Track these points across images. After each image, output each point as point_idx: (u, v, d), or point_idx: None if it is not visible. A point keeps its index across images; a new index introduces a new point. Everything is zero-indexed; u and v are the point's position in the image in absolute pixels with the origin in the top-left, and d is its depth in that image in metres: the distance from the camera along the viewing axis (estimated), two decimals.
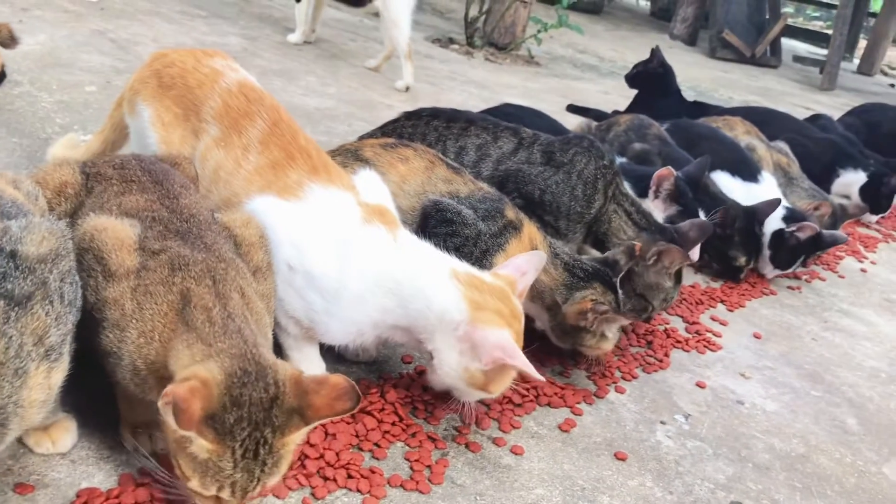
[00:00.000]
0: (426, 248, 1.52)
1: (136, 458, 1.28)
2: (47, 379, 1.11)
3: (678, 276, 2.00)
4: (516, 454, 1.56)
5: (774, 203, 2.61)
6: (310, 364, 1.56)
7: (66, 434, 1.30)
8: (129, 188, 1.41)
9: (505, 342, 1.39)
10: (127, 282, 1.23)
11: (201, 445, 1.07)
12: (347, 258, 1.43)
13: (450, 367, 1.43)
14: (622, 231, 2.07)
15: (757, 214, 2.58)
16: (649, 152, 2.61)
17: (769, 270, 2.69)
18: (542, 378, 1.43)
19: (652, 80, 3.85)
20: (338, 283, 1.43)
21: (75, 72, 3.05)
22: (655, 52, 3.85)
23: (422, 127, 2.17)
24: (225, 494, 1.10)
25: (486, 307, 1.42)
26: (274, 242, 1.44)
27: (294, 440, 1.15)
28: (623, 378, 1.91)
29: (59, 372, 1.14)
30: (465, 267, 1.51)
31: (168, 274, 1.22)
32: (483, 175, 2.07)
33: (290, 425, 1.13)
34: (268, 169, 1.52)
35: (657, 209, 2.23)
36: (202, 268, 1.24)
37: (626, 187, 2.19)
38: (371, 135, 2.26)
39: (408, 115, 2.27)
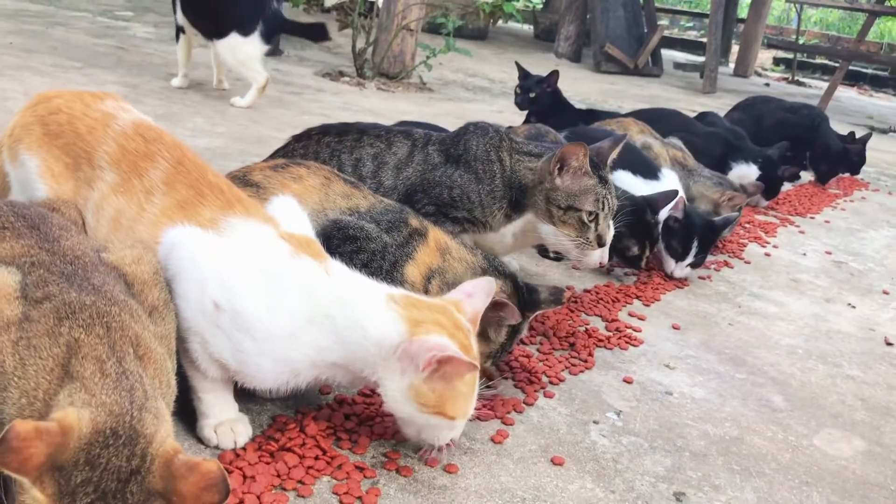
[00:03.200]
0: (358, 277, 1.44)
1: None
2: None
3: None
4: (451, 473, 1.48)
5: (671, 194, 2.63)
6: (222, 408, 1.44)
7: None
8: (2, 235, 1.27)
9: (440, 342, 1.31)
10: (7, 335, 1.10)
11: (35, 497, 0.93)
12: (277, 295, 1.33)
13: (396, 391, 1.34)
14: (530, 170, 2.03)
15: (651, 205, 2.59)
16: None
17: (672, 266, 2.68)
18: (475, 363, 1.33)
19: (542, 101, 3.94)
20: (269, 321, 1.32)
21: None
22: (553, 76, 3.97)
23: (313, 146, 2.10)
24: None
25: (424, 321, 1.35)
26: (198, 279, 1.33)
27: None
28: (550, 382, 1.87)
29: None
30: (400, 291, 1.44)
31: (54, 324, 1.10)
32: (385, 185, 2.01)
33: None
34: (176, 209, 1.41)
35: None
36: (91, 313, 1.12)
37: (515, 136, 2.16)
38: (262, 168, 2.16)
39: (297, 137, 2.19)
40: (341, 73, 5.53)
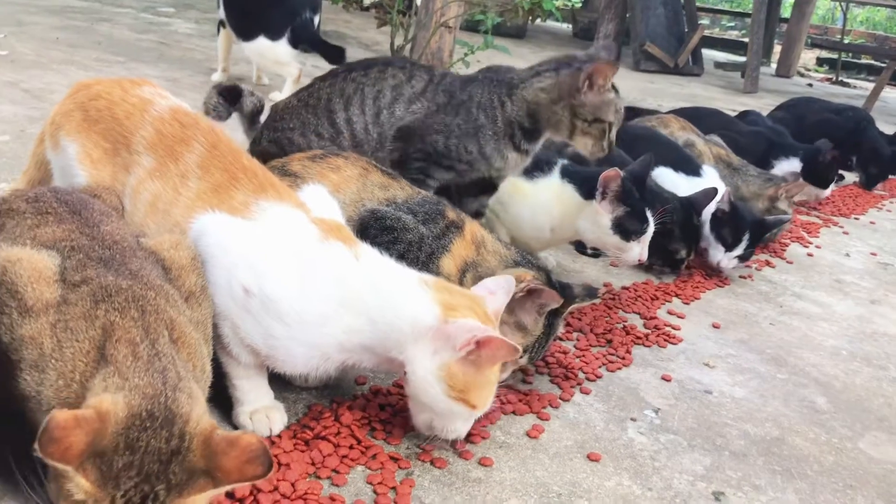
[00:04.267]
0: (388, 262, 1.43)
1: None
2: None
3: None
4: (485, 466, 1.46)
5: (711, 193, 2.59)
6: (258, 395, 1.44)
7: None
8: (45, 220, 1.29)
9: (479, 325, 1.31)
10: (46, 317, 1.11)
11: (80, 485, 0.93)
12: (307, 279, 1.33)
13: (425, 370, 1.33)
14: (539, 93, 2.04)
15: (694, 205, 2.56)
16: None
17: (720, 255, 2.63)
18: (518, 348, 1.32)
19: None
20: (299, 306, 1.32)
21: None
22: None
23: (339, 83, 2.09)
24: None
25: (458, 306, 1.34)
26: (227, 264, 1.33)
27: (196, 502, 1.01)
28: (587, 378, 1.84)
29: None
30: (431, 276, 1.43)
31: (90, 307, 1.11)
32: (396, 115, 2.03)
33: (192, 486, 0.99)
34: (210, 192, 1.42)
35: (605, 211, 2.16)
36: (127, 296, 1.12)
37: (516, 74, 2.15)
38: (287, 105, 2.15)
39: (321, 78, 2.16)
40: None
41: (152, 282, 1.18)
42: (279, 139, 2.08)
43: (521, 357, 1.66)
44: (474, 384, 1.32)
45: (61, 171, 1.58)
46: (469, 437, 1.52)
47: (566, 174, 2.19)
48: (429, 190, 1.97)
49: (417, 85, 2.07)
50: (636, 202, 2.15)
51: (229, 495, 1.24)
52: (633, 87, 7.03)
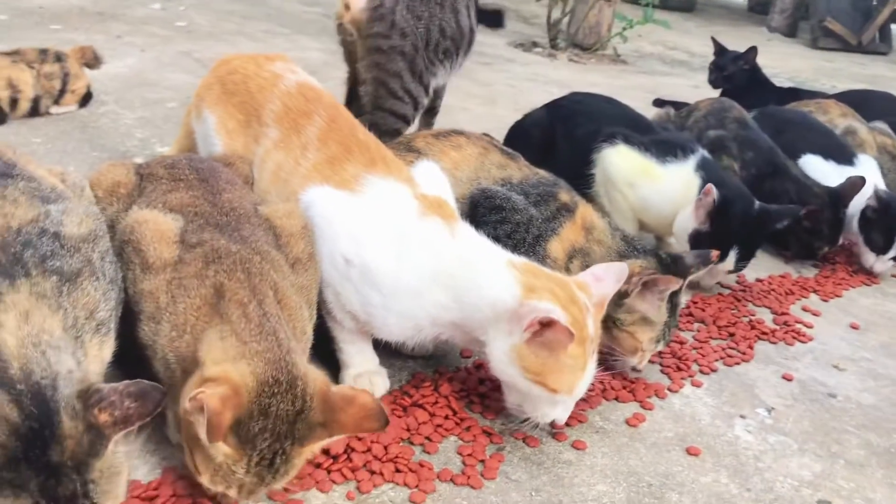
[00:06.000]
0: (482, 241, 1.46)
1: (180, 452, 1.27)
2: (100, 352, 1.14)
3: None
4: (578, 449, 1.47)
5: (858, 182, 2.40)
6: (362, 359, 1.52)
7: None
8: (177, 186, 1.42)
9: (546, 307, 1.30)
10: (163, 274, 1.23)
11: (223, 451, 1.05)
12: (404, 252, 1.38)
13: (500, 350, 1.35)
14: None
15: (841, 199, 2.39)
16: (724, 138, 2.46)
17: (872, 260, 2.46)
18: (573, 331, 1.29)
19: (737, 79, 3.71)
20: (395, 277, 1.38)
21: (159, 90, 3.16)
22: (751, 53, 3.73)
23: None
24: (231, 493, 1.08)
25: (540, 289, 1.35)
26: (331, 235, 1.41)
27: (312, 449, 1.13)
28: (701, 371, 1.79)
29: (108, 347, 1.16)
30: (522, 259, 1.44)
31: (202, 267, 1.21)
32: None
33: (311, 437, 1.10)
34: (325, 164, 1.50)
35: (695, 218, 2.05)
36: (234, 259, 1.22)
37: None
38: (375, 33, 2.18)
39: None
40: (534, 44, 5.51)
41: (259, 247, 1.27)
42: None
43: (655, 345, 1.64)
44: (550, 367, 1.33)
45: (203, 140, 1.72)
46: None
47: (702, 167, 2.11)
48: None
49: None
50: (722, 230, 2.02)
51: (325, 451, 1.32)
52: (808, 67, 6.60)
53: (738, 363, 1.86)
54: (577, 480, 1.39)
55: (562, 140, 2.35)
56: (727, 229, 2.02)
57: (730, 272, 2.12)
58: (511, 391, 1.41)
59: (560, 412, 1.40)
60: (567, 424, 1.52)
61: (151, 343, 1.21)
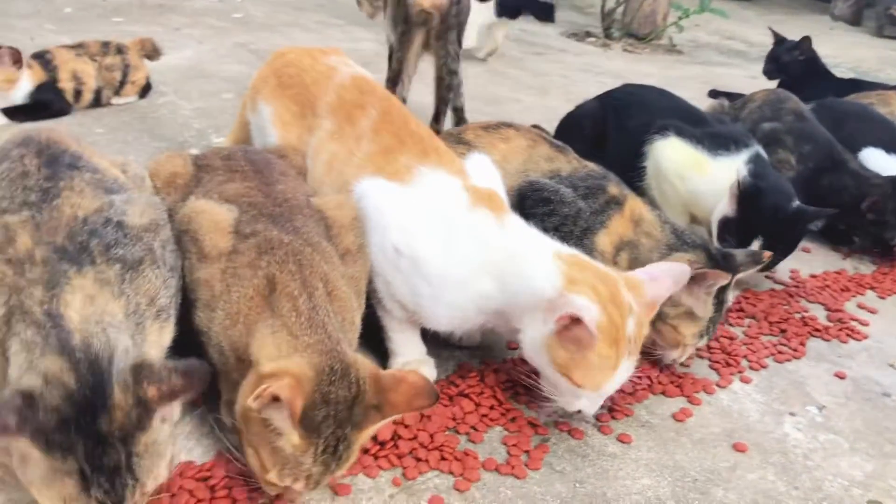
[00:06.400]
0: (531, 232, 1.47)
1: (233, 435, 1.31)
2: (159, 337, 1.19)
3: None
4: (623, 442, 1.48)
5: None
6: (411, 348, 1.54)
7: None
8: (233, 177, 1.45)
9: (582, 303, 1.29)
10: (218, 263, 1.27)
11: (289, 441, 1.08)
12: (453, 243, 1.40)
13: (532, 338, 1.36)
14: None
15: None
16: (779, 131, 2.41)
17: None
18: (594, 336, 1.28)
19: (792, 70, 3.63)
20: (443, 267, 1.40)
21: (215, 81, 3.23)
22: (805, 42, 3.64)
23: None
24: (298, 486, 1.11)
25: (581, 283, 1.35)
26: (381, 225, 1.44)
27: (368, 433, 1.16)
28: (750, 367, 1.78)
29: (168, 333, 1.22)
30: (570, 251, 1.44)
31: (255, 257, 1.25)
32: None
33: (367, 421, 1.13)
34: (378, 155, 1.52)
35: (727, 204, 2.02)
36: (287, 250, 1.25)
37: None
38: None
39: None
40: (587, 34, 5.46)
41: (310, 238, 1.30)
42: None
43: (698, 339, 1.64)
44: (577, 363, 1.32)
45: (258, 132, 1.76)
46: (611, 413, 1.54)
47: (753, 161, 2.07)
48: None
49: None
50: (747, 219, 1.99)
51: (372, 438, 1.35)
52: (871, 56, 6.41)
53: (789, 360, 1.83)
54: (622, 473, 1.40)
55: (614, 132, 2.34)
56: (752, 218, 1.98)
57: (760, 269, 2.04)
58: (542, 376, 1.42)
59: (585, 404, 1.40)
60: (612, 417, 1.53)
61: (206, 330, 1.25)
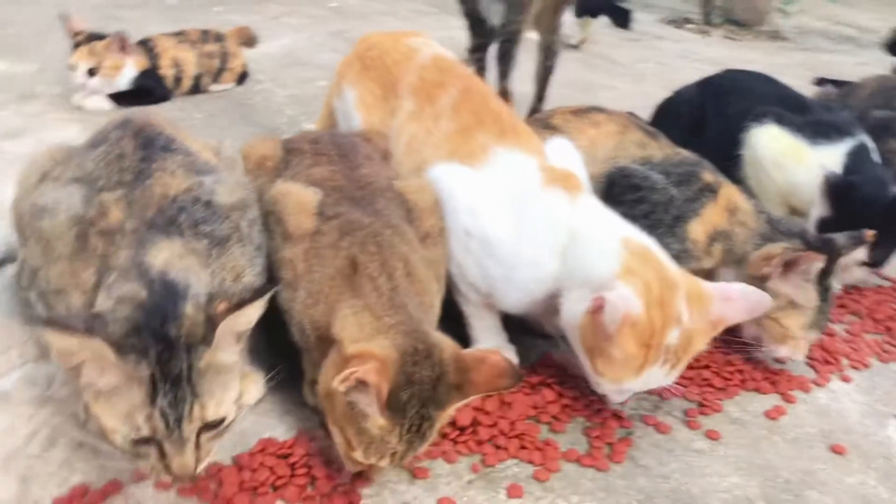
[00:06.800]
0: (604, 215, 1.42)
1: (314, 414, 1.33)
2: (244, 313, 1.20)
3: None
4: (711, 439, 1.42)
5: None
6: (491, 335, 1.53)
7: (254, 387, 1.36)
8: (319, 160, 1.47)
9: (624, 295, 1.23)
10: (302, 244, 1.28)
11: (375, 422, 1.09)
12: (523, 223, 1.38)
13: (569, 311, 1.32)
14: None
15: None
16: (892, 120, 2.27)
17: None
18: (607, 339, 1.24)
19: None
20: (513, 249, 1.38)
21: (310, 69, 3.28)
22: None
23: None
24: (383, 463, 1.12)
25: (637, 274, 1.29)
26: (452, 209, 1.43)
27: (450, 413, 1.15)
28: (851, 367, 1.69)
29: (253, 309, 1.22)
30: (643, 240, 1.37)
31: (337, 238, 1.26)
32: None
33: (449, 400, 1.13)
34: (456, 134, 1.51)
35: (821, 203, 1.90)
36: (367, 232, 1.25)
37: None
38: None
39: None
40: (686, 20, 5.31)
41: (391, 221, 1.30)
42: None
43: (808, 332, 1.56)
44: (599, 350, 1.28)
45: (343, 117, 1.77)
46: (699, 408, 1.49)
47: (854, 152, 1.96)
48: None
49: None
50: (843, 217, 1.84)
51: (452, 423, 1.35)
52: None
53: (894, 360, 1.73)
54: (709, 470, 1.35)
55: (712, 119, 2.25)
56: (849, 215, 1.85)
57: (863, 265, 1.93)
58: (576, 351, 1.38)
59: (607, 391, 1.36)
60: (701, 413, 1.48)
61: (289, 308, 1.26)
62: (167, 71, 2.73)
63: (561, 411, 1.43)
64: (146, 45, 2.71)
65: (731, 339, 1.60)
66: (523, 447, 1.33)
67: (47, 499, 1.14)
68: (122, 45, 2.57)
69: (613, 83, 3.63)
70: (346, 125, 1.75)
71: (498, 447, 1.33)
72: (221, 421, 1.05)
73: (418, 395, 1.09)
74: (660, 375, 1.30)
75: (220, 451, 1.21)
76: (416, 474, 1.26)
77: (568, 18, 4.01)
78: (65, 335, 0.96)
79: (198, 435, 1.03)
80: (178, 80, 2.76)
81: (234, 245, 1.21)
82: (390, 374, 1.08)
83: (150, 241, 1.12)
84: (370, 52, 1.71)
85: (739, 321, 1.34)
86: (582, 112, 1.80)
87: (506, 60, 2.60)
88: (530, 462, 1.31)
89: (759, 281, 1.52)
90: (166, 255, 1.11)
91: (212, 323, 1.01)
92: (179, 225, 1.17)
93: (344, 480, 1.20)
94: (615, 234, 1.35)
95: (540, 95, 2.78)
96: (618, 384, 1.31)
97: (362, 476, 1.22)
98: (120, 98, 2.61)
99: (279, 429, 1.32)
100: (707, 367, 1.59)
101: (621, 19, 4.02)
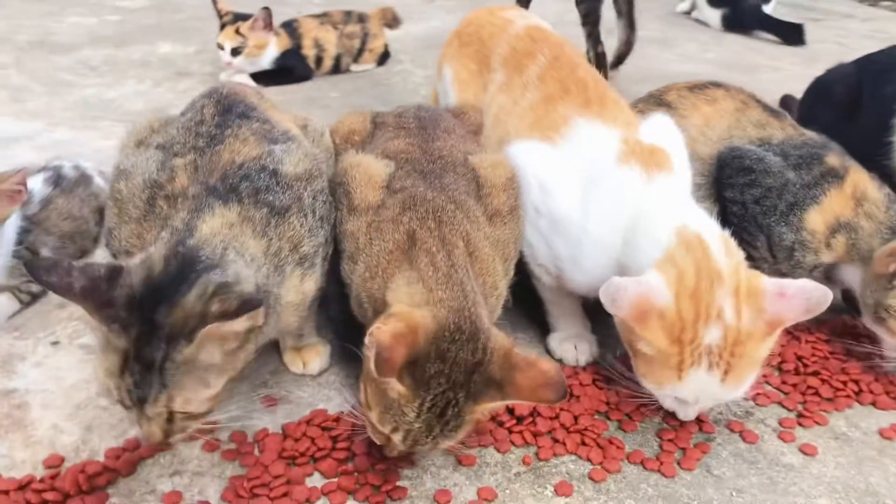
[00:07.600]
0: (674, 198, 1.29)
1: None
2: (300, 284, 1.20)
3: None
4: (806, 454, 1.26)
5: None
6: (570, 322, 1.45)
7: (318, 358, 1.38)
8: (398, 133, 1.44)
9: (651, 283, 1.13)
10: (365, 217, 1.26)
11: (395, 388, 1.05)
12: (592, 200, 1.29)
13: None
14: None
15: None
16: None
17: None
18: (622, 319, 1.15)
19: None
20: (580, 227, 1.29)
21: None
22: None
23: None
24: (396, 437, 1.07)
25: (675, 265, 1.16)
26: (525, 185, 1.36)
27: (483, 410, 1.08)
28: None
29: (311, 281, 1.23)
30: (702, 228, 1.22)
31: (398, 212, 1.22)
32: None
33: (485, 395, 1.06)
34: (540, 104, 1.44)
35: None
36: (428, 207, 1.21)
37: None
38: None
39: None
40: None
41: (456, 196, 1.24)
42: None
43: None
44: (631, 341, 1.18)
45: (442, 95, 1.74)
46: (798, 418, 1.33)
47: None
48: None
49: None
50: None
51: (509, 411, 1.28)
52: None
53: None
54: (794, 489, 1.20)
55: (868, 100, 2.00)
56: None
57: None
58: None
59: (665, 401, 1.25)
60: (799, 424, 1.32)
61: (349, 282, 1.25)
62: (309, 51, 2.81)
63: (635, 410, 1.32)
64: (290, 27, 2.81)
65: (853, 346, 1.42)
66: (583, 443, 1.25)
67: (104, 449, 1.19)
68: (266, 23, 2.67)
69: (779, 64, 3.35)
70: (445, 103, 1.72)
71: (556, 441, 1.25)
72: (192, 413, 1.05)
73: (448, 375, 1.04)
74: (712, 383, 1.16)
75: (273, 418, 1.23)
76: (461, 461, 1.21)
77: None
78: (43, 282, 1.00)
79: (170, 413, 1.04)
80: (318, 60, 2.84)
81: (294, 215, 1.21)
82: (417, 342, 1.03)
83: (206, 206, 1.14)
84: (468, 28, 1.68)
85: (798, 321, 1.17)
86: (698, 87, 1.66)
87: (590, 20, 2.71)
88: (588, 460, 1.22)
89: (887, 280, 1.34)
90: (217, 223, 1.12)
91: (202, 318, 1.00)
92: (239, 192, 1.18)
93: (381, 459, 1.17)
94: (672, 220, 1.23)
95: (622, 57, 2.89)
96: (660, 388, 1.20)
97: (405, 458, 1.18)
98: (261, 77, 2.72)
99: (334, 401, 1.31)
100: (816, 373, 1.42)
101: (791, 36, 3.71)
